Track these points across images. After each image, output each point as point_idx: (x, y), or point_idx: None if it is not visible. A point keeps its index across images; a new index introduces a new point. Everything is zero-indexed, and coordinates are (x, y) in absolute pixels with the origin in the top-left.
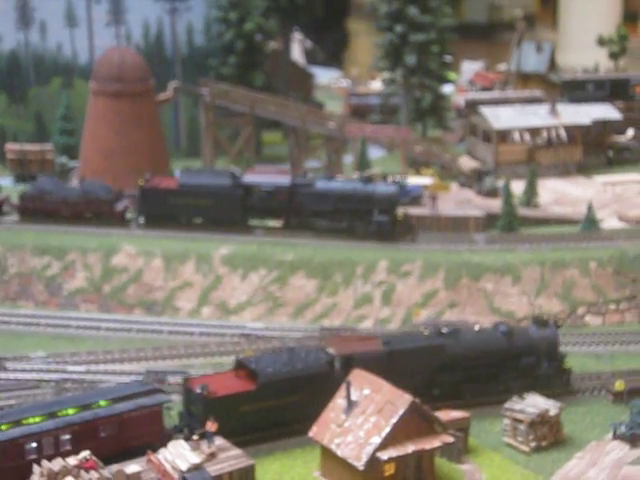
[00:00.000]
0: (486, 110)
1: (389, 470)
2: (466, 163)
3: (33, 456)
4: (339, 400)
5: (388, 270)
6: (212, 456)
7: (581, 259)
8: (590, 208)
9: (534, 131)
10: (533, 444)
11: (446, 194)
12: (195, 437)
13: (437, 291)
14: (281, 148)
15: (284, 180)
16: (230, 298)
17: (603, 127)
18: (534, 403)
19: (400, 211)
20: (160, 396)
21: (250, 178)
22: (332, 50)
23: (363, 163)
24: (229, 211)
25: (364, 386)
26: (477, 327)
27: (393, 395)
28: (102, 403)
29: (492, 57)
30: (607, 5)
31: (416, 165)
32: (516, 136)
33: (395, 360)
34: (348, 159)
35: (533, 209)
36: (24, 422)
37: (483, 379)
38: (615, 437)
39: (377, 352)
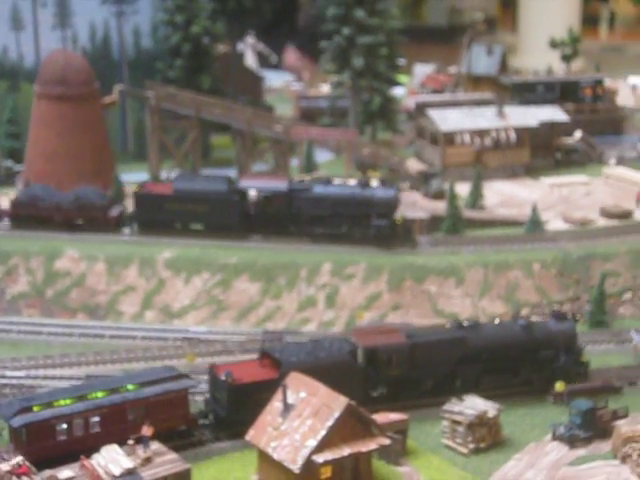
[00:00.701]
0: (433, 112)
1: (325, 473)
2: (413, 165)
3: (63, 437)
4: (276, 403)
5: (332, 273)
6: (148, 461)
7: (525, 261)
8: (534, 210)
9: (482, 133)
10: (472, 446)
11: None
12: (130, 441)
13: (381, 293)
14: (230, 151)
15: (282, 185)
16: (173, 302)
17: (551, 129)
18: (473, 405)
19: (399, 215)
20: (186, 381)
21: (247, 183)
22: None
23: (309, 166)
24: (226, 217)
25: (301, 389)
26: (497, 320)
27: (329, 398)
28: (130, 387)
29: (452, 60)
30: (566, 8)
31: (364, 168)
32: (463, 138)
33: (418, 352)
34: (297, 162)
35: (478, 211)
36: (55, 404)
37: (503, 371)
38: (554, 438)
39: (400, 344)
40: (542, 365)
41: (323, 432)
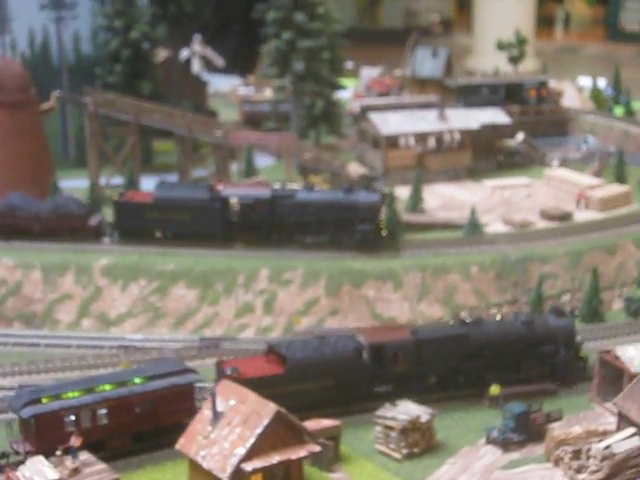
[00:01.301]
0: (374, 116)
1: None
2: (354, 169)
3: (72, 428)
4: (205, 411)
5: (269, 278)
6: (76, 471)
7: (463, 264)
8: (473, 212)
9: (423, 136)
10: (405, 451)
11: None
12: (58, 453)
13: (319, 299)
14: (172, 157)
15: (264, 192)
16: (110, 309)
17: (493, 131)
18: (406, 410)
19: (383, 219)
20: (192, 375)
21: (229, 191)
22: (234, 57)
23: (249, 171)
24: (207, 225)
25: (230, 397)
26: (498, 317)
27: (258, 405)
28: (137, 380)
29: (404, 63)
30: (520, 10)
31: (305, 172)
32: (405, 141)
33: (422, 348)
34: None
35: (418, 214)
36: (63, 396)
37: (505, 367)
38: (488, 442)
39: (405, 340)
40: (543, 360)
41: (252, 440)
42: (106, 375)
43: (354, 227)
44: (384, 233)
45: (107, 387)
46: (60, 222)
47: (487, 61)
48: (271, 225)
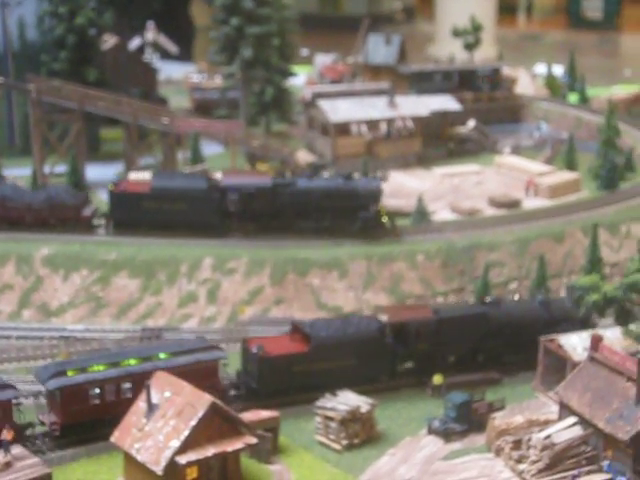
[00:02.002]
0: (324, 103)
1: (191, 474)
2: (303, 157)
3: (96, 401)
4: (140, 403)
5: (213, 267)
6: (7, 465)
7: (409, 252)
8: (420, 200)
9: (373, 123)
10: (345, 442)
11: None
12: None
13: (263, 288)
14: (120, 145)
15: (265, 180)
16: (52, 300)
17: (443, 118)
18: (345, 400)
19: (382, 205)
20: (217, 352)
21: (229, 180)
22: (188, 44)
23: (196, 159)
24: (205, 215)
25: (165, 388)
26: (516, 297)
27: (193, 397)
28: (162, 356)
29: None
30: None
31: (253, 160)
32: (354, 129)
33: (444, 327)
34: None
35: None
36: (89, 369)
37: (522, 346)
38: (429, 432)
39: (427, 319)
40: None
41: (186, 432)
42: (132, 350)
43: (355, 214)
44: (384, 219)
45: (132, 362)
46: (53, 213)
47: (449, 48)
48: (272, 213)
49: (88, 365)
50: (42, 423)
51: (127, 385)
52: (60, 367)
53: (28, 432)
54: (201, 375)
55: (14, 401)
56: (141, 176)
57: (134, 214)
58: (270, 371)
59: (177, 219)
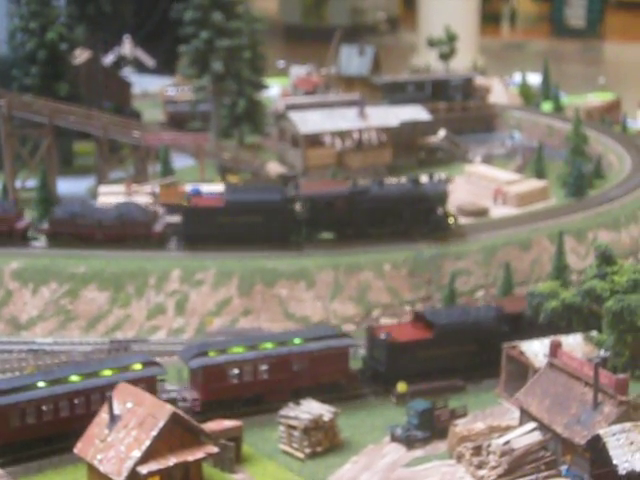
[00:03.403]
0: (293, 114)
1: None
2: (274, 168)
3: (235, 381)
4: (102, 414)
5: (181, 279)
6: None
7: (375, 261)
8: None
9: (343, 134)
10: (308, 450)
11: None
12: None
13: (231, 299)
14: (93, 159)
15: (342, 189)
16: (21, 313)
17: (413, 128)
18: (309, 409)
19: (448, 207)
20: (347, 340)
21: (308, 190)
22: (165, 57)
23: (166, 171)
24: (281, 226)
25: (127, 399)
26: None
27: (154, 408)
28: (296, 341)
29: None
30: (465, 7)
31: (224, 172)
32: (325, 140)
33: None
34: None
35: None
36: (229, 351)
37: None
38: (392, 440)
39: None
40: None
41: (147, 442)
42: (268, 334)
43: (425, 217)
44: (451, 220)
45: (269, 345)
46: (124, 229)
47: (432, 59)
48: (349, 221)
49: (228, 347)
50: (183, 400)
51: (264, 367)
52: (202, 348)
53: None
54: (332, 360)
55: (159, 377)
56: (212, 189)
57: (208, 229)
58: (397, 356)
59: (252, 232)
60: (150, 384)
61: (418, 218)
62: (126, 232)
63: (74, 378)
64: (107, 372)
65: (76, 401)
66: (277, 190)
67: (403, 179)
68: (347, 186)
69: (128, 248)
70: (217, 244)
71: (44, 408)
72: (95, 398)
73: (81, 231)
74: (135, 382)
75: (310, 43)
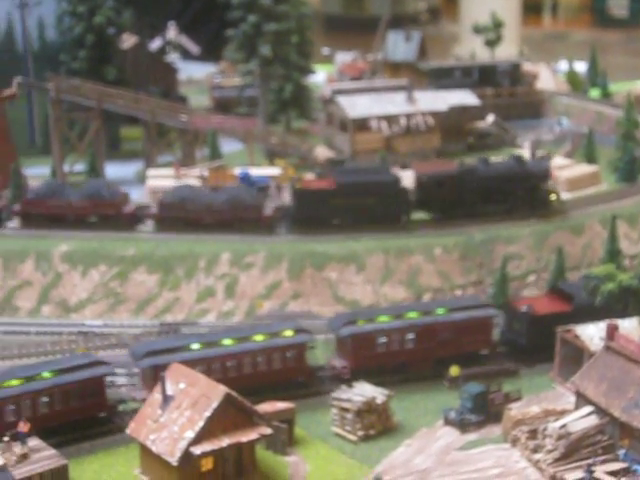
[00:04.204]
0: (342, 99)
1: (206, 465)
2: (322, 153)
3: (382, 349)
4: (155, 395)
5: (231, 262)
6: (24, 457)
7: (426, 245)
8: None
9: (391, 119)
10: (361, 433)
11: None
12: (6, 439)
13: (281, 282)
14: (140, 144)
15: (451, 169)
16: (71, 296)
17: (462, 113)
18: (362, 391)
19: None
20: (490, 310)
21: (417, 171)
22: (209, 44)
23: (214, 156)
24: (392, 207)
25: (180, 380)
26: None
27: (208, 388)
28: (440, 311)
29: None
30: None
31: (272, 156)
32: (373, 124)
33: None
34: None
35: None
36: (377, 320)
37: None
38: (446, 423)
39: None
40: None
41: (201, 423)
42: (413, 304)
43: (529, 194)
44: (553, 197)
45: (414, 315)
46: (234, 213)
47: (477, 46)
48: (458, 201)
49: (375, 316)
50: (332, 368)
51: (410, 336)
52: (351, 317)
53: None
54: (475, 330)
55: (309, 344)
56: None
57: (319, 211)
58: (538, 328)
59: (363, 213)
60: (300, 351)
61: (521, 196)
62: (236, 216)
63: (227, 342)
64: (259, 337)
65: (228, 364)
66: (387, 172)
67: (505, 157)
68: (455, 166)
69: (237, 232)
70: (326, 226)
71: (197, 369)
72: (247, 362)
73: (190, 215)
74: (285, 348)
75: (350, 33)
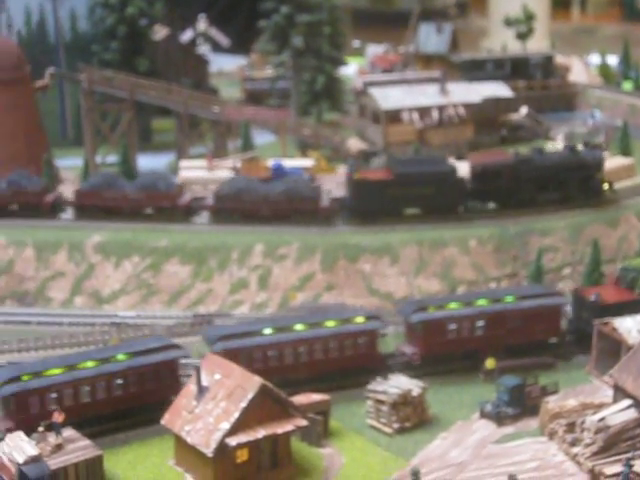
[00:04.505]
0: (374, 90)
1: (242, 456)
2: (354, 145)
3: (452, 336)
4: (190, 386)
5: (264, 254)
6: (59, 447)
7: (460, 237)
8: None
9: (424, 110)
10: (396, 425)
11: (331, 176)
12: (40, 429)
13: (314, 274)
14: (171, 135)
15: (507, 159)
16: (103, 287)
17: (495, 105)
18: (397, 383)
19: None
20: (560, 298)
21: (474, 161)
22: (238, 37)
23: (247, 147)
24: (449, 197)
25: (215, 371)
26: None
27: (243, 379)
28: (509, 299)
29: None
30: None
31: (305, 148)
32: (405, 116)
33: None
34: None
35: None
36: (447, 307)
37: None
38: (482, 416)
39: None
40: None
41: (236, 414)
42: (482, 292)
43: (583, 183)
44: (606, 187)
45: (483, 302)
46: (291, 204)
47: (503, 42)
48: (514, 190)
49: (446, 303)
50: (402, 354)
51: (480, 323)
52: (422, 304)
53: (389, 361)
54: (544, 319)
55: (381, 331)
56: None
57: (376, 201)
58: (605, 317)
59: (420, 203)
60: (371, 337)
61: (576, 185)
62: (293, 207)
63: (299, 327)
64: (330, 323)
65: (300, 349)
66: (443, 162)
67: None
68: (510, 156)
69: (293, 223)
70: (383, 217)
71: (269, 354)
72: (318, 347)
73: (246, 207)
74: (357, 335)
75: (378, 28)
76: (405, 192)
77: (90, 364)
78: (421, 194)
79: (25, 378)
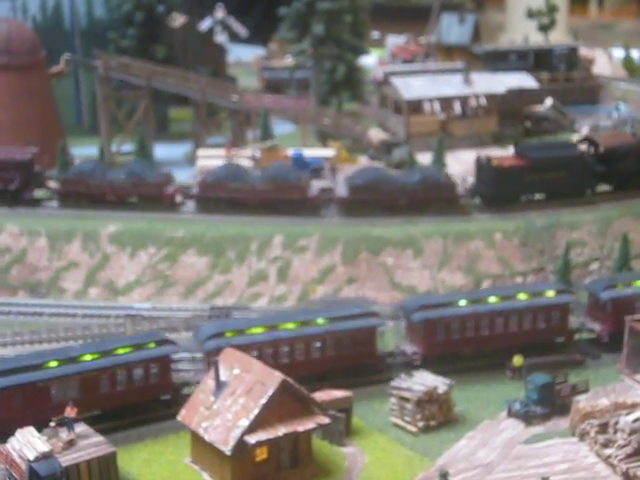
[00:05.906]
0: (397, 80)
1: (261, 454)
2: (375, 135)
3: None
4: (208, 381)
5: (283, 245)
6: (71, 443)
7: (486, 230)
8: None
9: (447, 101)
10: (421, 424)
11: (353, 166)
12: (52, 424)
13: (335, 266)
14: (188, 124)
15: (631, 140)
16: (118, 278)
17: (519, 96)
18: (422, 380)
19: None
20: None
21: (607, 143)
22: (258, 28)
23: (265, 136)
24: (582, 179)
25: (234, 365)
26: None
27: (263, 374)
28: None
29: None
30: None
31: (324, 138)
32: (426, 107)
33: None
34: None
35: None
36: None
37: None
38: (509, 415)
39: None
40: None
41: (256, 411)
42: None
43: None
44: None
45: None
46: (427, 194)
47: (520, 36)
48: (635, 172)
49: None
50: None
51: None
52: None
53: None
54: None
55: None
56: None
57: (513, 188)
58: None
59: (553, 188)
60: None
61: None
62: (428, 197)
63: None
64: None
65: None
66: (572, 146)
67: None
68: (632, 138)
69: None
70: (519, 202)
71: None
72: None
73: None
74: None
75: (396, 21)
76: (539, 177)
77: (290, 325)
78: (553, 178)
79: (228, 335)
